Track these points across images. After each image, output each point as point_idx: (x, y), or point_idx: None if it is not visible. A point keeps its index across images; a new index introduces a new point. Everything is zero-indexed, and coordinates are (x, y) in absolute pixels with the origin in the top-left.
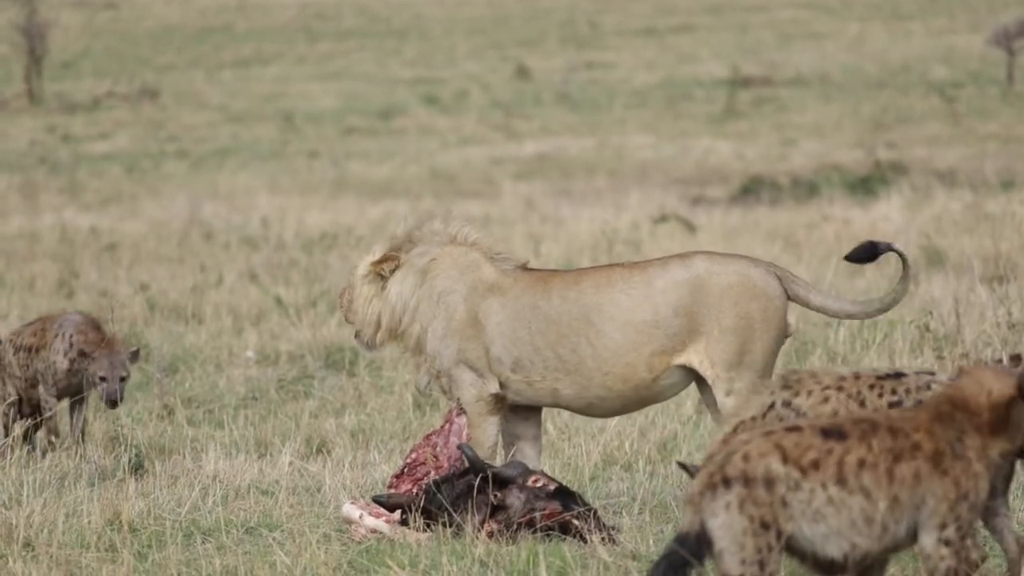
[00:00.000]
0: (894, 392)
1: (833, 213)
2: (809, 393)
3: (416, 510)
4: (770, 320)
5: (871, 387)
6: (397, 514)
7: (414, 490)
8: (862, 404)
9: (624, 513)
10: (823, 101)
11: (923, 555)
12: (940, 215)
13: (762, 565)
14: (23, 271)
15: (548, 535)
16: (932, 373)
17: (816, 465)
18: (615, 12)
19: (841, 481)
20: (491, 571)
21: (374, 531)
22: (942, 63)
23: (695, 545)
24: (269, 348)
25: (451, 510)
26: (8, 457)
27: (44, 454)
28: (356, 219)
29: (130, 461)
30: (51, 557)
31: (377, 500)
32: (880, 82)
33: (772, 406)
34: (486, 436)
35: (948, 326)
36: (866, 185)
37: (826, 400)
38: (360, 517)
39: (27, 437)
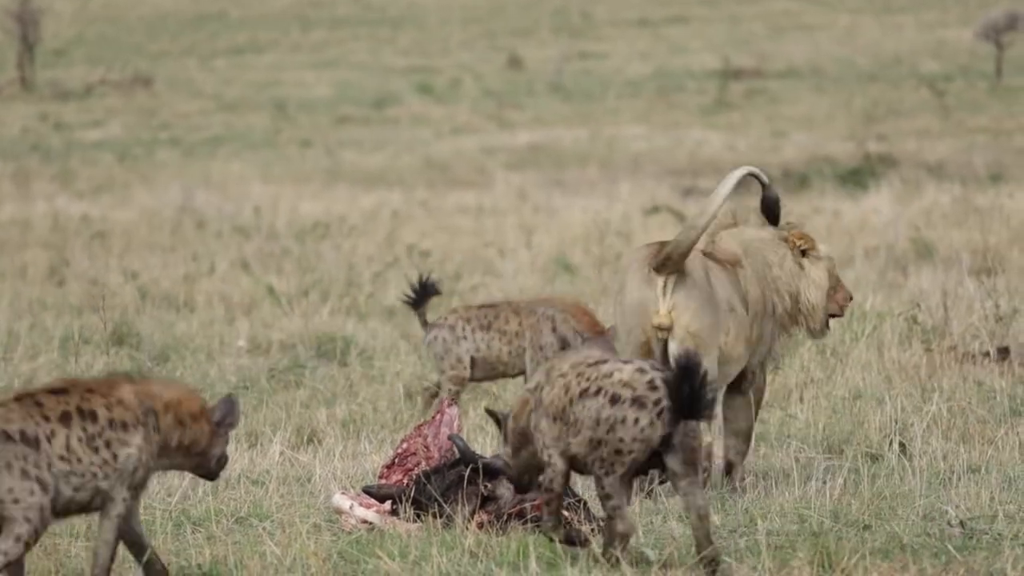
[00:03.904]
0: None
1: (824, 205)
2: None
3: (406, 501)
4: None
5: None
6: (387, 504)
7: (404, 481)
8: None
9: None
10: (814, 93)
11: None
12: (929, 208)
13: None
14: (14, 259)
15: (538, 526)
16: None
17: None
18: (608, 2)
19: None
20: (481, 562)
21: (364, 521)
22: (932, 56)
23: None
24: (261, 337)
25: (441, 501)
26: None
27: None
28: (349, 208)
29: None
30: (40, 546)
31: (367, 490)
32: (871, 75)
33: None
34: None
35: (936, 319)
36: (856, 177)
37: None
38: (350, 507)
39: None
